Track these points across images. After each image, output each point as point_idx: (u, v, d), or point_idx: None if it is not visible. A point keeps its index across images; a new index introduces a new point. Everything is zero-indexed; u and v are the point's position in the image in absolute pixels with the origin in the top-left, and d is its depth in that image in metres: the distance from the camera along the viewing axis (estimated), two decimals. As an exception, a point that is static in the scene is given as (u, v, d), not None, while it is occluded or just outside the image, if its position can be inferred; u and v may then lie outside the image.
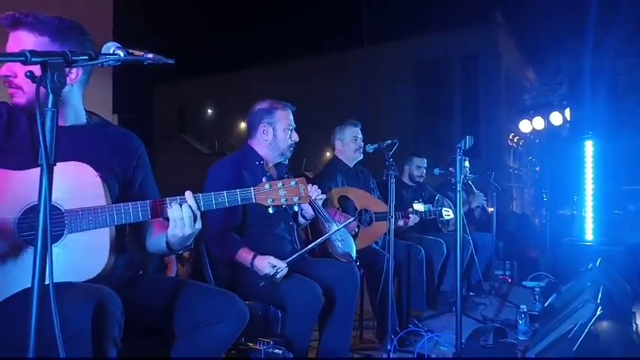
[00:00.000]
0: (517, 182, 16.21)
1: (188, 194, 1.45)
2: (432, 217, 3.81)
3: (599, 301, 2.38)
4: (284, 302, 2.13)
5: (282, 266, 2.11)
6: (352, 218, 2.58)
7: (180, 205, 1.43)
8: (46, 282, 0.98)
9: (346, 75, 16.40)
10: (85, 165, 1.40)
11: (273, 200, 1.49)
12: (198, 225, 1.45)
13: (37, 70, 1.02)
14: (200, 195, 1.46)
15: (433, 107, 16.15)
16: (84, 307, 1.19)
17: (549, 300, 3.70)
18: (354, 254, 2.65)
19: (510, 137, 13.48)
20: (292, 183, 1.51)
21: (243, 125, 20.09)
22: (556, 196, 7.13)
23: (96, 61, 1.11)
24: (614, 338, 1.96)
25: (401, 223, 3.50)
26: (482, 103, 15.68)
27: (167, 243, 1.51)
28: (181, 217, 1.42)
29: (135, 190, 1.62)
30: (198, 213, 1.45)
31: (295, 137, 2.52)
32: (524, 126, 7.54)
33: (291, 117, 2.52)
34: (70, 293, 1.20)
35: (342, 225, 2.52)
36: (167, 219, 1.46)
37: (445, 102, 16.05)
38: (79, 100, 1.56)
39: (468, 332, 2.62)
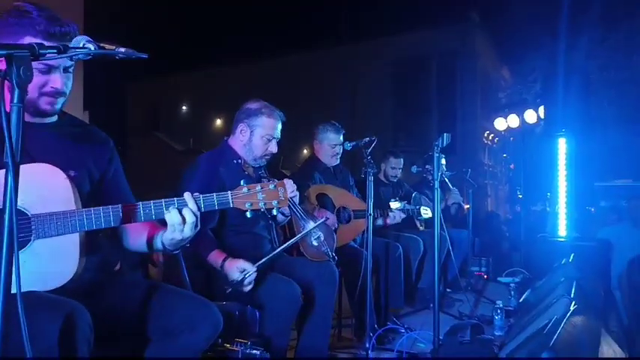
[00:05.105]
0: (492, 179, 16.48)
1: (187, 196, 1.39)
2: (411, 215, 3.82)
3: (572, 296, 2.42)
4: (262, 302, 2.10)
5: (250, 270, 2.03)
6: (322, 220, 2.53)
7: (180, 210, 1.38)
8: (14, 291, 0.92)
9: (324, 72, 16.37)
10: (53, 167, 1.34)
11: (251, 204, 1.42)
12: (198, 227, 1.42)
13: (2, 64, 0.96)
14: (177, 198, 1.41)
15: (410, 105, 16.27)
16: (51, 326, 1.13)
17: (524, 295, 3.75)
18: (330, 252, 2.63)
19: (485, 135, 13.69)
20: (271, 186, 1.44)
21: (218, 122, 19.90)
22: (530, 193, 7.26)
23: (64, 55, 1.06)
24: (586, 333, 2.00)
25: (380, 222, 3.49)
26: (458, 101, 15.86)
27: (162, 244, 1.46)
28: (180, 222, 1.38)
29: (105, 184, 1.57)
30: (199, 214, 1.40)
31: (273, 148, 2.40)
32: (499, 124, 7.64)
33: (278, 127, 2.41)
34: (36, 309, 1.13)
35: (316, 224, 2.46)
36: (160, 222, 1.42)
37: (422, 100, 16.19)
38: None
39: (445, 329, 2.64)
